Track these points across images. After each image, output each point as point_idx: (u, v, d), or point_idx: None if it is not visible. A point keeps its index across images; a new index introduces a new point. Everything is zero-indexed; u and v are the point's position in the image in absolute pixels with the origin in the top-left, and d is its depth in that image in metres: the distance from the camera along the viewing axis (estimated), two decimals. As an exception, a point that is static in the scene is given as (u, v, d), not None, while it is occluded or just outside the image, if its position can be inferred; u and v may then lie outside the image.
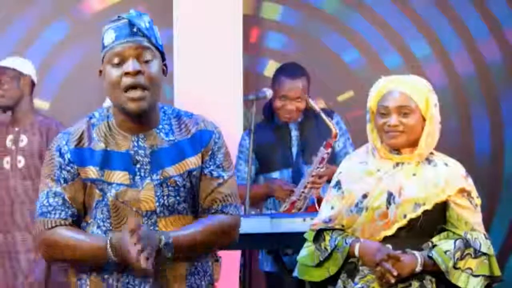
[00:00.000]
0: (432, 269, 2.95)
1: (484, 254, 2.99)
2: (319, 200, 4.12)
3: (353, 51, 5.38)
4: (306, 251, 3.14)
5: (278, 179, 4.28)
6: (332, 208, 3.10)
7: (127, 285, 2.58)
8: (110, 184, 2.56)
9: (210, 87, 4.90)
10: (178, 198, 2.60)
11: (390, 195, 2.99)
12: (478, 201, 3.06)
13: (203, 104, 4.75)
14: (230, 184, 2.66)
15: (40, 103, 5.14)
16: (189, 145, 2.62)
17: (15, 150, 4.41)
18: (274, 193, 4.25)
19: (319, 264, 3.09)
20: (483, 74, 5.43)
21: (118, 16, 2.62)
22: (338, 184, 3.11)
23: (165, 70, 2.62)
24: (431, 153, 3.08)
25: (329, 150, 4.17)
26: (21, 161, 4.41)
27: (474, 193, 3.06)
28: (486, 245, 3.00)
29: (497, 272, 3.01)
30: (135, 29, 2.56)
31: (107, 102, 4.48)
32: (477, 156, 5.39)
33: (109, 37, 2.57)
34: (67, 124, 4.99)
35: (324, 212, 3.13)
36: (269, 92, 4.28)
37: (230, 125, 4.81)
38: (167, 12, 4.94)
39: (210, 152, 2.64)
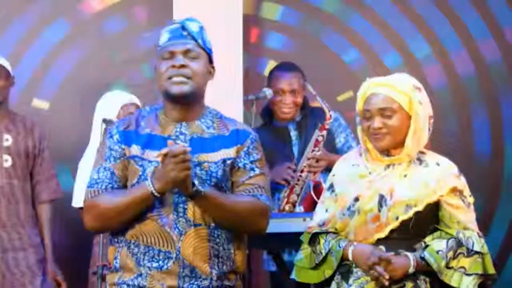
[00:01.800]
0: (425, 270, 2.95)
1: (478, 252, 2.99)
2: (316, 186, 4.12)
3: (353, 51, 5.38)
4: (302, 253, 3.15)
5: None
6: (326, 210, 3.11)
7: (152, 259, 2.82)
8: (150, 161, 2.85)
9: (210, 87, 4.89)
10: (209, 182, 2.85)
11: (381, 197, 2.99)
12: (471, 199, 3.05)
13: (203, 104, 4.75)
14: (262, 179, 2.92)
15: (40, 103, 5.14)
16: (227, 139, 2.92)
17: (0, 149, 4.39)
18: (275, 178, 4.21)
19: (315, 267, 3.09)
20: (483, 74, 5.42)
21: (174, 21, 2.99)
22: (331, 187, 3.12)
23: (211, 72, 3.01)
24: (423, 153, 3.08)
25: (324, 132, 4.17)
26: (8, 160, 4.39)
27: (467, 192, 3.05)
28: (479, 244, 3.00)
29: (491, 270, 3.01)
30: (185, 33, 2.93)
31: (101, 101, 4.48)
32: (477, 156, 5.39)
33: (164, 38, 2.95)
34: (67, 124, 5.03)
35: (319, 214, 3.14)
36: (269, 92, 4.29)
37: (230, 125, 4.80)
38: (167, 12, 4.94)
39: (245, 149, 2.92)
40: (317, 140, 4.17)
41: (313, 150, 4.17)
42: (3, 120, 4.44)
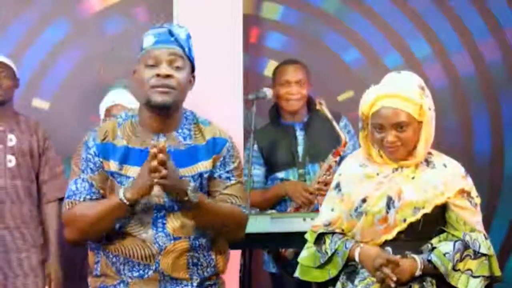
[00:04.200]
0: (432, 272, 2.95)
1: (484, 255, 2.98)
2: None
3: (353, 51, 5.38)
4: (307, 252, 3.14)
5: (299, 182, 4.25)
6: (332, 210, 3.10)
7: (132, 269, 2.82)
8: (127, 177, 2.81)
9: (210, 87, 4.89)
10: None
11: (389, 199, 2.98)
12: (477, 200, 3.05)
13: (203, 104, 4.74)
14: (238, 188, 2.90)
15: (40, 103, 5.14)
16: (203, 150, 2.87)
17: (3, 149, 4.39)
18: (290, 194, 4.21)
19: (320, 266, 3.09)
20: (483, 74, 5.42)
21: (161, 24, 2.90)
22: (338, 186, 3.11)
23: (192, 81, 2.90)
24: (430, 153, 3.07)
25: (337, 158, 4.14)
26: (11, 161, 4.39)
27: (474, 193, 3.05)
28: (485, 246, 2.99)
29: (497, 272, 3.01)
30: (173, 38, 2.84)
31: (104, 102, 4.48)
32: (477, 156, 5.39)
33: (148, 41, 2.86)
34: (67, 124, 5.02)
35: (325, 213, 3.13)
36: (269, 92, 4.29)
37: (230, 125, 4.80)
38: (167, 12, 4.94)
39: (222, 159, 2.88)
40: (330, 165, 4.15)
41: (324, 175, 4.16)
42: (8, 120, 4.45)
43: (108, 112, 4.40)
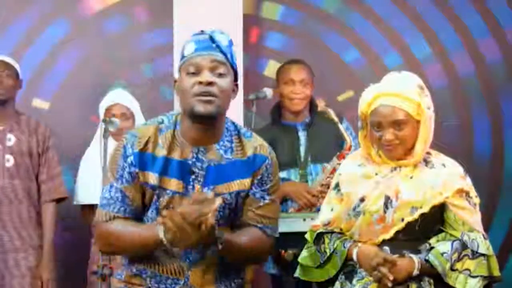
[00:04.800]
0: (430, 272, 2.95)
1: (483, 254, 2.98)
2: None
3: (353, 51, 5.38)
4: (307, 252, 3.15)
5: (302, 183, 4.24)
6: (332, 209, 3.11)
7: (159, 282, 2.76)
8: (165, 190, 2.73)
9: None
10: (221, 213, 2.75)
11: (387, 199, 2.99)
12: (477, 200, 3.05)
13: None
14: (271, 208, 2.82)
15: (40, 103, 5.14)
16: (243, 167, 2.78)
17: (2, 149, 4.39)
18: (292, 195, 4.22)
19: (320, 266, 3.09)
20: (483, 74, 5.43)
21: (201, 31, 2.77)
22: (337, 186, 3.12)
23: (235, 89, 2.78)
24: (429, 153, 3.07)
25: (342, 161, 4.13)
26: (9, 160, 4.39)
27: (473, 193, 3.05)
28: (484, 246, 2.99)
29: (496, 272, 3.01)
30: (214, 45, 2.72)
31: (103, 102, 4.48)
32: (477, 156, 5.39)
33: (189, 48, 2.73)
34: (67, 124, 5.03)
35: (324, 213, 3.13)
36: (269, 92, 4.28)
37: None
38: (167, 12, 4.94)
39: (259, 176, 2.79)
40: (334, 168, 4.12)
41: (328, 177, 4.14)
42: (8, 120, 4.45)
43: (108, 112, 4.40)
